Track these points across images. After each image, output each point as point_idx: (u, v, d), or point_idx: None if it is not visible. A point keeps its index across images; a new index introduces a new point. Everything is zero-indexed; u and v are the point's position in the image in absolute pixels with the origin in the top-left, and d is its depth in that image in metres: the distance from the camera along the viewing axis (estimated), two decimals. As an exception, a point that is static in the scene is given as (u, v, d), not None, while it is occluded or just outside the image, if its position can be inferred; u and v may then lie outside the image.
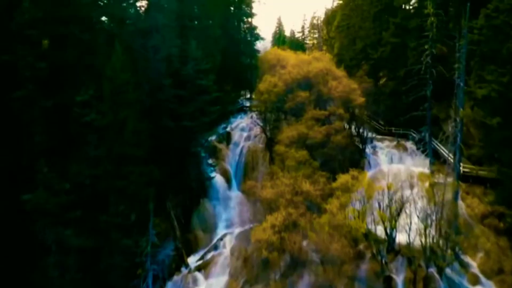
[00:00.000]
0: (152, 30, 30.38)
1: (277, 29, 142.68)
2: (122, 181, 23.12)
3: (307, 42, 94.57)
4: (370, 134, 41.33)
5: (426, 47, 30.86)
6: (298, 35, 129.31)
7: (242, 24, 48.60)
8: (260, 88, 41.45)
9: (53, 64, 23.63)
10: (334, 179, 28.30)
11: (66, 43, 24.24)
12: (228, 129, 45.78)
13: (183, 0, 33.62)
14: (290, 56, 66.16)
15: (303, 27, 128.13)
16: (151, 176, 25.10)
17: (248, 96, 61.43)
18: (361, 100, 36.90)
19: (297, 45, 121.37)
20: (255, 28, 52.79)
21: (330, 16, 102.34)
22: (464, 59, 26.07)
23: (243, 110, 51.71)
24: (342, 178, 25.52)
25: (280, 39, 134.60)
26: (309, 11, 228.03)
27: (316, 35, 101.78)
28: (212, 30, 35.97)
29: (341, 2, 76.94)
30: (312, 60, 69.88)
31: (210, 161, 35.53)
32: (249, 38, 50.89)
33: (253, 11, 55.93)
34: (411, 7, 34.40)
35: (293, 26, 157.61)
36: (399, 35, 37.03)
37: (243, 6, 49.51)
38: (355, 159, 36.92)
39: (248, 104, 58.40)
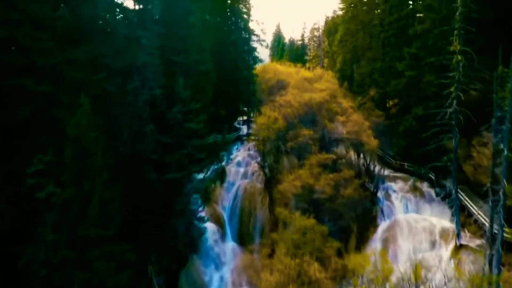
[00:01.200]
0: (132, 70, 25.58)
1: (276, 36, 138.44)
2: (86, 273, 18.36)
3: (308, 53, 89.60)
4: (379, 169, 36.48)
5: (451, 89, 26.13)
6: (297, 43, 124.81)
7: (239, 48, 43.75)
8: (258, 122, 36.72)
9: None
10: (346, 247, 23.78)
11: (17, 97, 19.46)
12: (223, 162, 41.15)
13: (168, 34, 28.82)
14: (290, 75, 61.50)
15: (302, 35, 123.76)
16: (123, 258, 20.32)
17: (246, 118, 56.75)
18: (373, 144, 32.14)
19: (296, 54, 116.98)
20: (254, 49, 47.94)
21: (331, 26, 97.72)
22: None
23: (239, 139, 46.88)
24: (354, 260, 20.75)
25: (279, 48, 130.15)
26: (309, 17, 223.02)
27: (317, 44, 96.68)
28: (203, 65, 31.25)
29: (342, 12, 72.21)
30: (314, 78, 65.73)
31: (201, 213, 30.64)
32: (247, 59, 45.97)
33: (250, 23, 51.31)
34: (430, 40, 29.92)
35: (293, 33, 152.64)
36: (415, 67, 32.36)
37: (242, 32, 44.70)
38: (367, 208, 32.25)
39: (245, 128, 53.76)
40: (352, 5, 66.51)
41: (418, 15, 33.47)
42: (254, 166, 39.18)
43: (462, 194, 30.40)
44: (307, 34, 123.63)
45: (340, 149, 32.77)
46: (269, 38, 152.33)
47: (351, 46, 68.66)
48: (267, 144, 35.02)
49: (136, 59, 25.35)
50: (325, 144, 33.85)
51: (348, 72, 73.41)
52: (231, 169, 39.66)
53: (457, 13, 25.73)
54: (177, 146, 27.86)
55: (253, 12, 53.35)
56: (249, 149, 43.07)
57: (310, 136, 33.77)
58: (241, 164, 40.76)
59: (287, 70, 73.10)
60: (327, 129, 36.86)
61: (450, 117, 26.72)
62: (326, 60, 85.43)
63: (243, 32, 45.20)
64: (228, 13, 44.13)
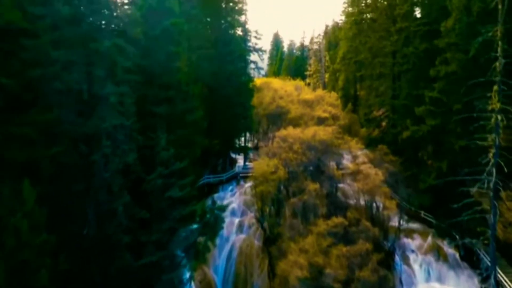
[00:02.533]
0: (101, 133, 20.52)
1: (274, 45, 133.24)
2: None
3: (308, 68, 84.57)
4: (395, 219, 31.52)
5: (490, 156, 21.16)
6: (297, 52, 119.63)
7: (234, 82, 38.61)
8: (256, 170, 31.64)
9: None
10: None
11: None
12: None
13: (148, 82, 23.73)
14: (290, 96, 56.37)
15: (302, 44, 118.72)
16: None
17: (243, 143, 51.59)
18: (391, 206, 27.20)
19: (296, 65, 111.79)
20: (251, 79, 42.82)
21: (332, 38, 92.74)
22: None
23: (235, 177, 41.77)
24: None
25: (278, 58, 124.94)
26: (308, 23, 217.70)
27: (318, 59, 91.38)
28: (191, 115, 26.19)
29: (345, 27, 67.18)
30: (315, 100, 60.63)
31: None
32: (244, 94, 40.86)
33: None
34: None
35: (292, 37, 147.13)
36: (438, 114, 27.34)
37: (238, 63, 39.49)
38: (382, 275, 27.24)
39: (241, 159, 48.69)
40: (357, 22, 61.72)
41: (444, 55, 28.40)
42: (251, 216, 34.22)
43: (500, 272, 25.45)
44: (306, 43, 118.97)
45: (352, 210, 27.71)
46: (267, 42, 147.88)
47: (355, 65, 63.93)
48: (266, 199, 30.02)
49: (105, 121, 20.29)
50: (334, 200, 28.89)
51: (352, 91, 68.57)
52: (224, 219, 34.64)
53: (497, 63, 20.85)
54: (155, 220, 22.85)
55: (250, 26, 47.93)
56: (245, 192, 38.02)
57: (316, 191, 28.77)
58: (236, 213, 35.74)
59: (286, 90, 68.33)
60: (335, 178, 31.97)
61: (488, 185, 21.85)
62: (327, 75, 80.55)
63: (239, 62, 40.11)
64: (223, 42, 39.04)
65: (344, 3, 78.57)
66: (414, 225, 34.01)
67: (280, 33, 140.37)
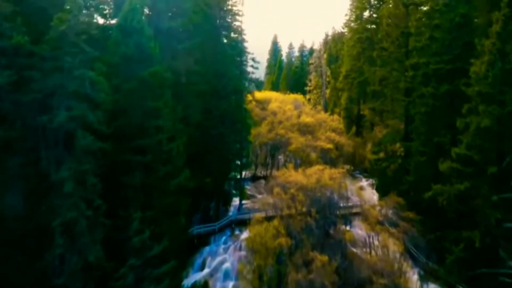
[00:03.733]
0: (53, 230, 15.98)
1: (273, 54, 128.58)
2: None
3: (308, 84, 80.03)
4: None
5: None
6: (296, 62, 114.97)
7: (228, 121, 33.90)
8: (252, 238, 27.02)
9: None
10: None
11: None
12: (205, 270, 31.74)
13: (118, 147, 19.09)
14: (290, 129, 51.52)
15: (301, 55, 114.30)
16: None
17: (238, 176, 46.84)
18: None
19: (295, 75, 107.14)
20: (249, 117, 38.03)
21: (333, 51, 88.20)
22: None
23: (229, 225, 37.04)
24: None
25: (276, 67, 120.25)
26: (308, 31, 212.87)
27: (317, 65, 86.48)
28: (174, 180, 21.42)
29: (348, 44, 62.59)
30: (317, 124, 56.03)
31: None
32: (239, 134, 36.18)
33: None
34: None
35: (291, 43, 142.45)
36: (467, 176, 22.65)
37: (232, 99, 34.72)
38: None
39: (237, 200, 43.88)
40: (361, 40, 57.32)
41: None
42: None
43: None
44: (306, 51, 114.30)
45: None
46: (265, 49, 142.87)
47: (359, 85, 59.51)
48: (264, 272, 25.44)
49: (59, 214, 15.79)
50: (346, 276, 24.32)
51: (355, 110, 64.03)
52: (216, 284, 30.17)
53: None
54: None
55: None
56: (240, 247, 33.41)
57: (325, 265, 24.22)
58: (230, 275, 30.97)
59: (285, 110, 63.87)
60: (345, 240, 27.51)
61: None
62: (328, 91, 76.06)
63: (235, 95, 35.42)
64: (217, 74, 34.40)
65: (346, 15, 74.37)
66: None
67: (279, 39, 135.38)
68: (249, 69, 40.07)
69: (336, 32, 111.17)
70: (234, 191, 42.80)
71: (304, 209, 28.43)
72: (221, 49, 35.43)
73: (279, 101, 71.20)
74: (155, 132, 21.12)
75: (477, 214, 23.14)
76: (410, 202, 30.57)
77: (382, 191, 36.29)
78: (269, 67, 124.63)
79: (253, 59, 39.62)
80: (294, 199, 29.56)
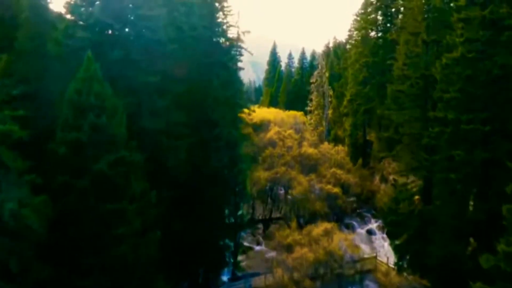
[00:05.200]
0: None
1: (272, 65, 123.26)
2: None
3: (309, 104, 74.71)
4: None
5: None
6: (296, 74, 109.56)
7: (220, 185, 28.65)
8: None
9: None
10: None
11: None
12: None
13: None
14: (290, 166, 46.02)
15: (301, 66, 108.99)
16: None
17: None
18: None
19: (295, 88, 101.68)
20: (245, 172, 32.57)
21: (335, 66, 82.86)
22: None
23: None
24: None
25: (275, 78, 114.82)
26: (308, 35, 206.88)
27: (318, 81, 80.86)
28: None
29: (353, 60, 57.17)
30: (321, 158, 50.68)
31: None
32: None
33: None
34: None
35: (291, 49, 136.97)
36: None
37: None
38: None
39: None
40: (368, 65, 52.07)
41: None
42: None
43: None
44: (306, 64, 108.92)
45: None
46: (265, 57, 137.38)
47: (364, 113, 54.34)
48: None
49: None
50: None
51: (361, 140, 58.80)
52: None
53: None
54: None
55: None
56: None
57: None
58: None
59: (285, 136, 58.67)
60: None
61: None
62: (330, 112, 70.83)
63: (229, 150, 29.93)
64: (207, 124, 29.06)
65: (350, 30, 69.05)
66: None
67: (278, 50, 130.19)
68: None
69: (338, 41, 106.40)
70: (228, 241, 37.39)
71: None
72: (214, 93, 30.09)
73: (278, 123, 66.13)
74: (115, 242, 15.86)
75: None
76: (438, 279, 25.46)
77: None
78: (268, 79, 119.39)
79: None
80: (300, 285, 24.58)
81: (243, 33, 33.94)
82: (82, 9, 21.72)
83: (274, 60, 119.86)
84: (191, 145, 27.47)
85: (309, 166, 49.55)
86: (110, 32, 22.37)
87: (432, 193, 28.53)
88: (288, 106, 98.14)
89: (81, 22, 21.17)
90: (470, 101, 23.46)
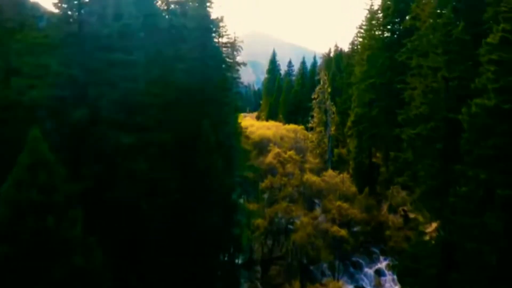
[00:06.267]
0: None
1: (271, 73, 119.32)
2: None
3: (310, 120, 70.69)
4: None
5: None
6: (296, 84, 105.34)
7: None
8: None
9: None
10: None
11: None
12: None
13: None
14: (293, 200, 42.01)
15: (302, 76, 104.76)
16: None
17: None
18: None
19: (295, 100, 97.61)
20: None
21: (338, 81, 78.77)
22: None
23: None
24: None
25: (275, 87, 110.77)
26: (307, 41, 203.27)
27: (320, 97, 76.76)
28: None
29: (359, 79, 53.13)
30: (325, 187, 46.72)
31: None
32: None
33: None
34: None
35: (291, 57, 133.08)
36: None
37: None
38: None
39: None
40: (375, 86, 48.15)
41: None
42: None
43: None
44: (307, 72, 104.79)
45: None
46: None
47: (370, 139, 50.41)
48: None
49: None
50: None
51: (366, 161, 54.89)
52: None
53: None
54: None
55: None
56: None
57: None
58: None
59: (285, 158, 54.92)
60: None
61: None
62: (333, 128, 66.84)
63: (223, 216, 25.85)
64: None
65: (353, 43, 65.23)
66: None
67: (278, 58, 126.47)
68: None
69: (339, 49, 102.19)
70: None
71: None
72: (204, 137, 26.14)
73: (278, 143, 62.65)
74: None
75: None
76: None
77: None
78: (267, 88, 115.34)
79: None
80: None
81: (240, 64, 30.40)
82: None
83: (273, 68, 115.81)
84: (177, 203, 23.65)
85: (312, 195, 45.94)
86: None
87: (454, 256, 24.57)
88: (288, 118, 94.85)
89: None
90: (508, 160, 19.54)
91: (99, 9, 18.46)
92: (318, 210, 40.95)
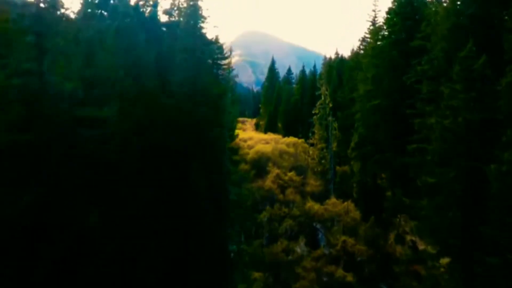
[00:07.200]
0: None
1: (270, 81, 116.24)
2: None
3: (311, 136, 67.59)
4: None
5: None
6: (295, 94, 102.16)
7: None
8: None
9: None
10: None
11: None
12: None
13: None
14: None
15: (302, 86, 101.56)
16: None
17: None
18: None
19: (295, 110, 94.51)
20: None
21: (339, 95, 75.58)
22: None
23: None
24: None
25: (273, 97, 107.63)
26: (308, 41, 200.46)
27: (321, 113, 73.57)
28: None
29: (361, 96, 50.04)
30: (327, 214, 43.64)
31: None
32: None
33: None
34: None
35: (290, 64, 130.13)
36: None
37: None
38: None
39: None
40: (380, 108, 45.09)
41: None
42: None
43: None
44: (306, 80, 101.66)
45: None
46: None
47: (375, 162, 47.30)
48: None
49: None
50: None
51: (370, 182, 51.90)
52: None
53: None
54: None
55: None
56: None
57: None
58: None
59: (285, 181, 52.21)
60: None
61: None
62: (335, 145, 63.78)
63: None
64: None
65: (357, 55, 62.02)
66: None
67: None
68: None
69: (340, 55, 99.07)
70: None
71: None
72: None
73: (277, 162, 60.06)
74: None
75: None
76: None
77: None
78: (266, 97, 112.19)
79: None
80: None
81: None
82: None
83: (272, 77, 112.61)
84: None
85: (315, 222, 43.05)
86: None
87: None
88: (287, 128, 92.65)
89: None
90: None
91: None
92: (321, 247, 37.91)
